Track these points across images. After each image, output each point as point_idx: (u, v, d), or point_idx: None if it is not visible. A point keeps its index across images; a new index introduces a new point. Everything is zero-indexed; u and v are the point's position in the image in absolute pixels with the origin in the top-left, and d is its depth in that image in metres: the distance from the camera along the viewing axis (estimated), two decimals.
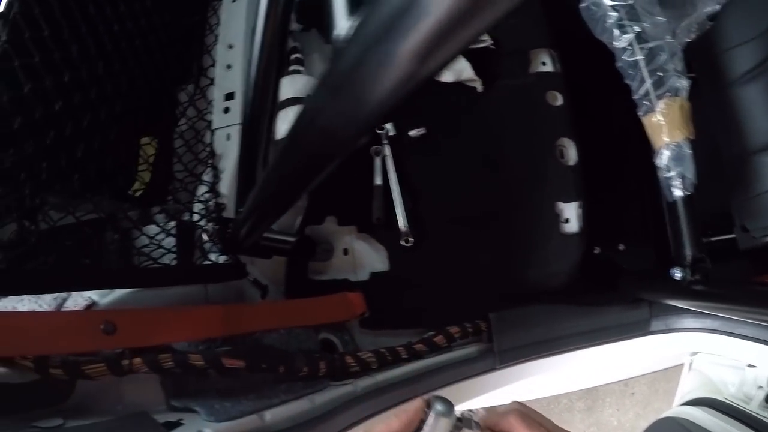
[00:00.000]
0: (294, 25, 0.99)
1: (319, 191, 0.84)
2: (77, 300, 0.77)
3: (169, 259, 0.80)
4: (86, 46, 0.77)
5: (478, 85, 0.96)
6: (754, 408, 0.89)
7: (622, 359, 0.97)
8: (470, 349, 0.84)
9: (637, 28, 0.82)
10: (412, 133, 0.95)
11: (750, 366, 0.92)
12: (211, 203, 0.83)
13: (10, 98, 0.67)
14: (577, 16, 0.85)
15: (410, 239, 0.90)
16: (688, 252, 0.80)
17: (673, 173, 0.80)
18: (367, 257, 0.93)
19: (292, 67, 0.93)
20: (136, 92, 0.84)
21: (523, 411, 0.45)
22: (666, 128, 0.80)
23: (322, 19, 1.01)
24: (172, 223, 0.82)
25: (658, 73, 0.81)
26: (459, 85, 0.95)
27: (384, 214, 0.91)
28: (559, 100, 0.94)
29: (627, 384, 1.38)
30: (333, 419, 0.65)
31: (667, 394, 1.36)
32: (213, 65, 0.97)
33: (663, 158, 0.80)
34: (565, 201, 0.91)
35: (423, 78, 0.32)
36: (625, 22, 0.82)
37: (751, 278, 0.95)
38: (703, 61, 0.95)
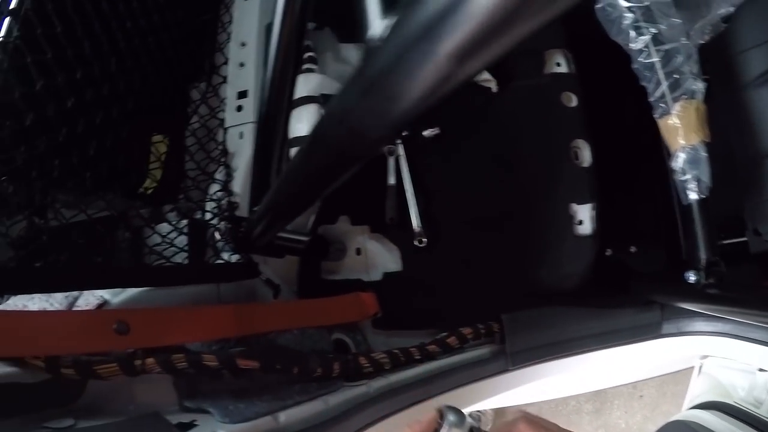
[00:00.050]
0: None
1: (332, 191, 0.84)
2: (89, 299, 0.76)
3: (181, 258, 0.80)
4: (99, 43, 0.77)
5: (493, 86, 0.95)
6: (764, 412, 0.89)
7: (633, 362, 0.96)
8: (482, 351, 0.84)
9: (653, 30, 0.82)
10: (426, 132, 0.95)
11: (761, 370, 0.91)
12: (223, 202, 0.83)
13: (23, 95, 0.67)
14: (592, 17, 0.84)
15: (423, 239, 0.90)
16: (703, 255, 0.80)
17: (688, 176, 0.80)
18: (379, 257, 0.92)
19: (305, 66, 0.92)
20: (148, 89, 0.83)
21: (530, 418, 0.45)
22: (682, 131, 0.80)
23: (336, 18, 1.00)
24: (185, 222, 0.81)
25: (675, 76, 0.81)
26: (474, 86, 0.95)
27: (397, 214, 0.90)
28: (574, 102, 0.93)
29: (635, 386, 1.38)
30: (348, 420, 0.65)
31: (675, 397, 1.35)
32: (225, 63, 0.96)
33: (679, 161, 0.80)
34: (579, 203, 0.91)
35: (461, 80, 0.31)
36: (641, 24, 0.82)
37: (762, 282, 0.95)
38: (717, 64, 0.95)
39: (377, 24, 0.34)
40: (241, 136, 0.90)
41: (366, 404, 0.68)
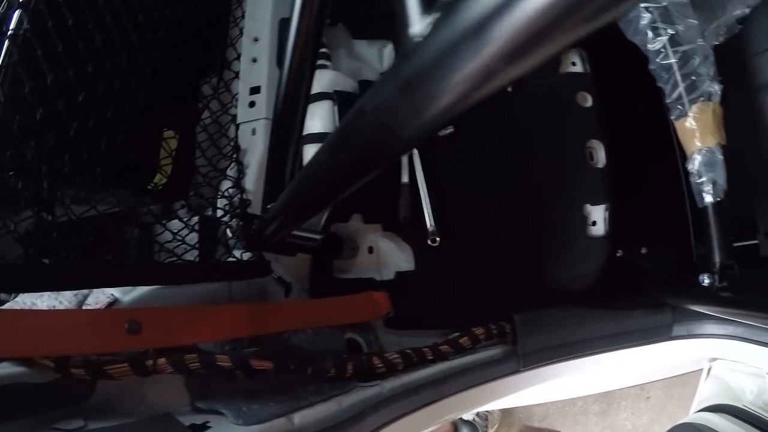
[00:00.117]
0: None
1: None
2: (99, 297, 0.75)
3: (192, 256, 0.79)
4: (110, 37, 0.75)
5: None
6: None
7: (642, 364, 0.96)
8: (494, 351, 0.84)
9: (670, 31, 0.81)
10: (441, 131, 0.94)
11: None
12: (235, 199, 0.82)
13: (33, 89, 0.65)
14: None
15: (437, 239, 0.89)
16: (717, 258, 0.80)
17: (704, 179, 0.79)
18: (392, 256, 0.91)
19: (318, 62, 0.91)
20: (159, 84, 0.82)
21: (532, 428, 0.44)
22: (698, 133, 0.79)
23: (349, 14, 0.99)
24: (195, 219, 0.80)
25: (692, 77, 0.80)
26: None
27: (410, 213, 0.89)
28: (589, 101, 0.93)
29: (642, 388, 1.38)
30: (362, 421, 0.64)
31: (682, 399, 1.36)
32: (238, 58, 0.95)
33: (695, 163, 0.79)
34: (593, 204, 0.90)
35: (507, 81, 0.30)
36: (659, 25, 0.81)
37: None
38: (731, 65, 0.94)
39: (417, 20, 0.33)
40: (253, 132, 0.89)
41: (380, 405, 0.67)
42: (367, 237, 0.93)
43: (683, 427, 0.96)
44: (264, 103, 0.90)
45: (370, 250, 0.93)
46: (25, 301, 0.73)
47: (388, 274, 0.92)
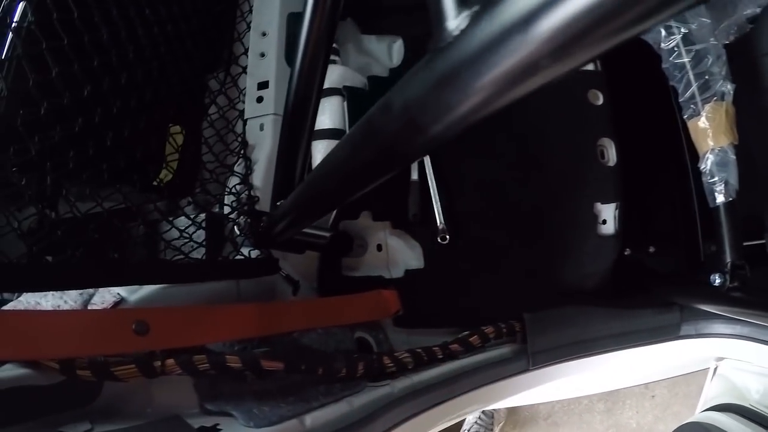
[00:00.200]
0: None
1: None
2: (104, 296, 0.74)
3: (199, 254, 0.78)
4: (116, 30, 0.74)
5: None
6: None
7: (650, 363, 0.96)
8: (504, 350, 0.83)
9: (684, 30, 0.81)
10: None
11: None
12: (243, 195, 0.81)
13: (37, 83, 0.64)
14: None
15: (446, 237, 0.88)
16: (728, 258, 0.79)
17: (716, 178, 0.79)
18: (401, 254, 0.90)
19: None
20: (166, 79, 0.81)
21: None
22: (711, 133, 0.79)
23: (358, 9, 0.98)
24: (203, 216, 0.79)
25: (705, 77, 0.80)
26: None
27: (420, 211, 0.88)
28: (600, 99, 0.92)
29: (647, 386, 1.38)
30: (373, 422, 0.63)
31: (687, 398, 1.36)
32: (245, 53, 0.94)
33: (707, 163, 0.79)
34: (604, 202, 0.90)
35: (551, 77, 0.29)
36: (672, 23, 0.81)
37: None
38: (741, 65, 0.94)
39: (454, 14, 0.32)
40: (261, 127, 0.88)
41: (390, 405, 0.67)
42: (376, 234, 0.92)
43: (691, 426, 0.96)
44: (272, 98, 0.89)
45: (379, 247, 0.91)
46: (28, 300, 0.72)
47: (398, 272, 0.91)
